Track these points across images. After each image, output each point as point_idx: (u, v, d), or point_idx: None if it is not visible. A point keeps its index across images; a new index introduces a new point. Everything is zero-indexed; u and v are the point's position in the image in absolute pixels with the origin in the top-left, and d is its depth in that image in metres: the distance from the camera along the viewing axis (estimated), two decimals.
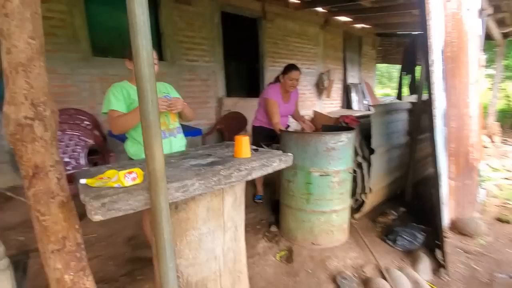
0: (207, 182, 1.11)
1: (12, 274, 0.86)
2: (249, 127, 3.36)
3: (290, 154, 1.47)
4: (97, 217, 0.91)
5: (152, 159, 0.90)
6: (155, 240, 0.98)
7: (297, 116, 2.84)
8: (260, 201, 2.95)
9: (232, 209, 1.35)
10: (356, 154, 2.36)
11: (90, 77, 3.65)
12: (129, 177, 1.03)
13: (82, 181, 1.09)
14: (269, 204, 2.86)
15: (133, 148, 1.64)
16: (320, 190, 1.97)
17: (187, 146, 1.95)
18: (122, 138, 1.82)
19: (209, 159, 1.38)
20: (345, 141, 1.97)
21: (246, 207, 2.80)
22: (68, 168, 2.67)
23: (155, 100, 0.87)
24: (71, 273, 1.03)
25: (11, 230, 2.33)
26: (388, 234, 2.20)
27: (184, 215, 1.19)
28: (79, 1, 3.46)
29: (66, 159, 2.67)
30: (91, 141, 2.75)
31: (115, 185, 1.02)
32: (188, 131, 3.07)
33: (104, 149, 2.99)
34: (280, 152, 1.51)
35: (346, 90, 7.87)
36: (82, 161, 2.73)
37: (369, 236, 2.25)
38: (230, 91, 5.66)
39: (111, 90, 1.56)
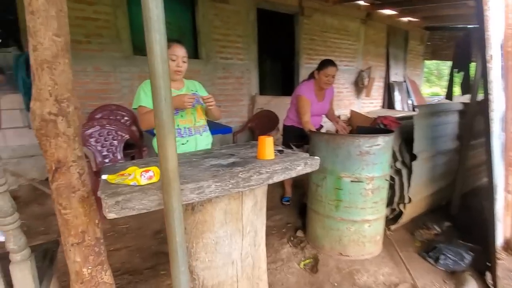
0: (224, 184, 1.06)
1: (33, 265, 0.88)
2: (281, 126, 3.27)
3: (317, 157, 1.36)
4: (111, 215, 0.90)
5: (165, 158, 0.86)
6: (168, 242, 0.95)
7: (331, 116, 2.68)
8: (288, 203, 2.85)
9: (251, 213, 1.29)
10: (395, 159, 2.15)
11: (131, 74, 3.85)
12: (145, 176, 1.02)
13: (103, 176, 1.11)
14: (297, 207, 2.75)
15: None
16: (351, 197, 1.82)
17: (214, 144, 1.93)
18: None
19: (231, 159, 1.33)
20: (382, 144, 1.79)
21: (272, 208, 2.75)
22: (106, 160, 2.83)
23: (168, 98, 0.83)
24: (89, 267, 1.05)
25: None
26: (429, 251, 1.97)
27: (201, 217, 1.15)
28: (122, 3, 3.64)
29: (105, 153, 2.84)
30: (127, 136, 2.88)
31: (131, 183, 1.01)
32: (219, 128, 3.08)
33: (139, 144, 3.12)
34: (306, 154, 1.40)
35: (388, 89, 7.35)
36: (119, 155, 2.87)
37: (406, 251, 2.04)
38: (264, 89, 5.60)
39: (141, 86, 1.59)
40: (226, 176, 1.08)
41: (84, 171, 1.04)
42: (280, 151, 1.46)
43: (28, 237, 2.34)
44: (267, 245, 2.11)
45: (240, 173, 1.11)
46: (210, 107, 1.61)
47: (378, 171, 1.81)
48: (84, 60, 3.48)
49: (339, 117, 2.70)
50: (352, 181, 1.79)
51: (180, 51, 1.58)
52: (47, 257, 1.17)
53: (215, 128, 3.08)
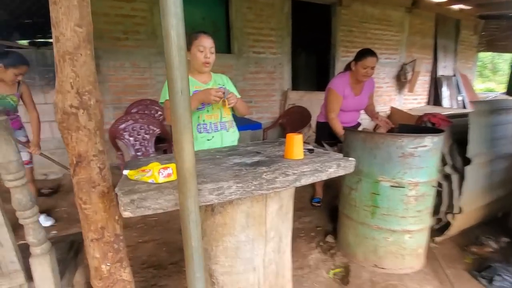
0: (246, 185, 0.97)
1: (52, 258, 0.88)
2: (314, 123, 3.10)
3: (352, 159, 1.21)
4: (126, 214, 0.86)
5: (180, 156, 0.79)
6: (183, 246, 0.89)
7: (370, 112, 2.45)
8: (318, 204, 2.70)
9: (276, 217, 1.19)
10: (444, 163, 1.89)
11: (164, 70, 3.92)
12: (164, 173, 0.96)
13: (125, 172, 1.08)
14: (328, 210, 2.58)
15: None
16: (390, 204, 1.63)
17: (241, 141, 1.85)
18: None
19: (256, 158, 1.24)
20: (429, 146, 1.57)
21: (302, 209, 2.62)
22: (138, 154, 2.92)
23: (185, 90, 0.76)
24: (108, 263, 1.03)
25: None
26: (481, 270, 1.70)
27: (221, 219, 1.08)
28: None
29: (137, 146, 2.92)
30: (158, 130, 2.93)
31: (149, 180, 0.96)
32: (248, 124, 3.02)
33: (170, 139, 3.17)
34: (339, 155, 1.26)
35: (435, 84, 6.70)
36: (150, 148, 2.94)
37: (454, 268, 1.79)
38: (297, 84, 5.42)
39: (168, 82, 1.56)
40: (249, 176, 0.99)
41: (105, 166, 1.01)
42: (310, 150, 1.33)
43: (67, 224, 2.47)
44: (294, 249, 2.00)
45: (264, 173, 1.01)
46: (229, 105, 1.52)
47: (423, 176, 1.60)
48: (123, 56, 3.61)
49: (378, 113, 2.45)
50: (392, 186, 1.60)
51: (207, 42, 1.52)
52: (73, 248, 1.19)
53: (244, 124, 3.02)
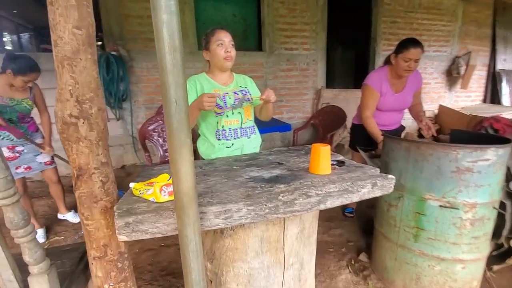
0: (258, 208, 0.83)
1: (52, 278, 0.83)
2: (349, 124, 2.85)
3: (392, 177, 1.00)
4: (122, 237, 0.77)
5: (177, 178, 0.67)
6: (184, 277, 0.78)
7: (415, 112, 2.12)
8: (351, 215, 2.45)
9: (297, 241, 1.03)
10: (507, 179, 1.56)
11: (195, 70, 3.88)
12: (166, 191, 0.86)
13: (131, 184, 1.00)
14: (363, 222, 2.33)
15: (204, 146, 1.52)
16: (439, 227, 1.36)
17: (265, 144, 1.71)
18: None
19: (276, 171, 1.09)
20: (492, 159, 1.27)
21: (332, 220, 2.40)
22: (166, 154, 2.92)
23: (182, 100, 0.64)
24: (111, 284, 0.96)
25: None
26: None
27: (231, 243, 0.95)
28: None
29: (165, 147, 2.93)
30: None
31: (150, 198, 0.87)
32: (277, 125, 2.85)
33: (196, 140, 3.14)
34: (376, 170, 1.06)
35: (493, 79, 5.88)
36: None
37: None
38: (332, 82, 5.11)
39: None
40: (263, 198, 0.84)
41: (108, 179, 0.94)
42: (340, 163, 1.14)
43: None
44: (321, 266, 1.82)
45: (282, 194, 0.86)
46: (270, 102, 1.39)
47: (483, 196, 1.31)
48: (155, 57, 3.62)
49: (424, 113, 2.13)
50: (441, 206, 1.34)
51: (226, 35, 1.40)
52: (84, 260, 1.14)
53: (272, 125, 2.87)
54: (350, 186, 0.94)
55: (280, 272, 1.02)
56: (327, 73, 4.65)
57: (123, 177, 3.46)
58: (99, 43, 3.75)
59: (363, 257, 1.86)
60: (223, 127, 1.44)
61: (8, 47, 7.11)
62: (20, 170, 2.07)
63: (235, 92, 1.47)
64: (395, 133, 2.10)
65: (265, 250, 0.96)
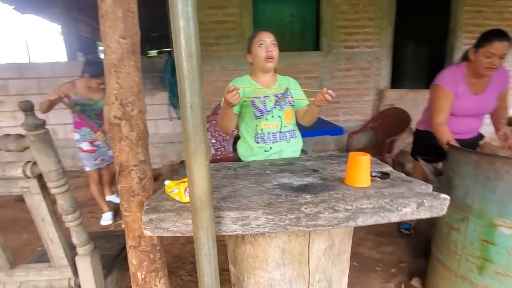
0: (278, 219, 0.79)
1: (94, 260, 0.94)
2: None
3: (445, 197, 0.85)
4: (146, 232, 0.83)
5: (192, 182, 0.69)
6: (198, 280, 0.79)
7: (496, 118, 1.75)
8: (408, 232, 2.17)
9: (325, 257, 0.95)
10: None
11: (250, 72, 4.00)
12: None
13: (166, 182, 1.07)
14: (421, 242, 2.04)
15: (243, 148, 1.53)
16: (511, 261, 1.10)
17: (303, 149, 1.64)
18: None
19: (307, 179, 1.03)
20: None
21: (384, 235, 2.16)
22: (218, 153, 3.06)
23: (197, 105, 0.64)
24: (143, 272, 1.04)
25: None
26: None
27: (252, 250, 0.93)
28: (248, 3, 3.77)
29: (217, 146, 3.07)
30: (236, 131, 2.99)
31: (176, 198, 0.90)
32: (328, 128, 2.71)
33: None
34: (428, 187, 0.91)
35: None
36: (229, 148, 3.04)
37: None
38: (398, 81, 4.63)
39: (228, 85, 1.50)
40: (283, 208, 0.80)
41: (145, 176, 1.01)
42: (384, 175, 1.02)
43: None
44: (363, 285, 1.65)
45: (305, 205, 0.80)
46: (324, 103, 1.25)
47: None
48: (213, 60, 3.86)
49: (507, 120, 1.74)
50: None
51: (267, 36, 1.39)
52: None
53: (323, 128, 2.73)
54: (388, 204, 0.82)
55: (304, 287, 0.95)
56: (394, 72, 4.23)
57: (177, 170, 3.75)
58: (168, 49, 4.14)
59: (415, 282, 1.62)
60: (262, 130, 1.43)
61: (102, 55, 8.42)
62: (97, 161, 2.43)
63: (275, 95, 1.44)
64: (471, 144, 1.73)
65: (287, 262, 0.92)
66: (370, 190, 0.90)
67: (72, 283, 1.00)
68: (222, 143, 3.09)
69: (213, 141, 3.10)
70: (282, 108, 1.43)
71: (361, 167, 0.93)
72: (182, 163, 4.08)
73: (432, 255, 1.48)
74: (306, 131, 2.60)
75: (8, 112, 3.87)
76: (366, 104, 4.16)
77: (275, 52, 1.40)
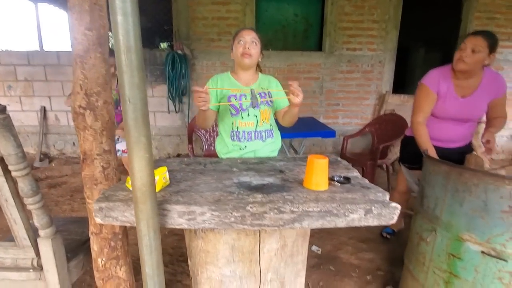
0: (223, 215, 0.80)
1: (56, 243, 0.97)
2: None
3: (395, 205, 0.84)
4: (97, 220, 0.85)
5: (132, 174, 0.70)
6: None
7: (487, 127, 1.69)
8: (388, 236, 2.15)
9: (277, 258, 0.96)
10: None
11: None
12: None
13: None
14: (402, 250, 2.01)
15: (220, 145, 1.54)
16: (479, 279, 1.07)
17: (281, 151, 1.63)
18: None
19: (269, 179, 1.03)
20: None
21: (366, 241, 2.15)
22: (211, 147, 3.09)
23: (136, 99, 0.66)
24: (103, 259, 1.07)
25: None
26: None
27: (203, 245, 0.94)
28: (251, 0, 3.76)
29: (210, 141, 3.09)
30: None
31: (130, 188, 0.92)
32: (319, 131, 2.69)
33: None
34: (384, 195, 0.90)
35: None
36: None
37: None
38: (401, 86, 4.55)
39: (209, 82, 1.51)
40: (229, 205, 0.81)
41: (109, 166, 1.04)
42: (345, 180, 1.01)
43: None
44: None
45: (252, 205, 0.81)
46: (296, 100, 1.20)
47: None
48: (214, 56, 3.87)
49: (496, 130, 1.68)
50: (484, 252, 1.05)
51: (247, 34, 1.39)
52: None
53: (315, 129, 2.72)
54: (335, 209, 0.82)
55: (255, 286, 0.96)
56: (400, 76, 4.15)
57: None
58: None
59: None
60: (237, 128, 1.44)
61: None
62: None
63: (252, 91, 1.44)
64: (456, 154, 1.69)
65: (237, 259, 0.93)
66: (323, 194, 0.90)
67: (35, 263, 1.04)
68: (214, 138, 3.11)
69: (207, 136, 3.12)
70: (258, 107, 1.43)
71: (318, 171, 0.93)
72: (178, 156, 4.13)
73: (404, 265, 1.47)
74: (297, 132, 2.60)
75: (16, 96, 3.99)
76: (366, 108, 4.10)
77: (253, 49, 1.40)
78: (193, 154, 2.88)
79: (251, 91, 1.34)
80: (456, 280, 1.13)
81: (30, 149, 4.09)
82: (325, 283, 1.70)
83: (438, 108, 1.67)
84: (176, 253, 1.96)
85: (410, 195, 1.99)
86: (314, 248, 2.02)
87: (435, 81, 1.65)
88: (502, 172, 1.40)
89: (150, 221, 0.74)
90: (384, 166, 3.06)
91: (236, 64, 1.49)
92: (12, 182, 0.92)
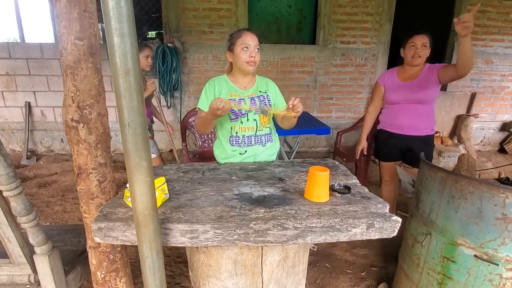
0: (226, 233, 0.80)
1: (53, 259, 0.95)
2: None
3: (396, 219, 0.85)
4: (97, 239, 0.83)
5: (133, 198, 0.68)
6: None
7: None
8: None
9: (279, 269, 0.96)
10: None
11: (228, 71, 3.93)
12: None
13: (128, 185, 1.06)
14: (395, 246, 2.06)
15: (218, 150, 1.52)
16: (471, 281, 1.11)
17: (279, 153, 1.63)
18: None
19: (269, 190, 1.03)
20: None
21: None
22: (205, 144, 3.05)
23: (135, 124, 0.63)
24: (103, 272, 1.05)
25: None
26: None
27: (205, 259, 0.94)
28: None
29: (203, 138, 3.06)
30: None
31: (130, 205, 0.90)
32: (315, 128, 2.69)
33: None
34: (384, 207, 0.91)
35: None
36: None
37: None
38: None
39: (205, 86, 1.47)
40: (233, 223, 0.80)
41: (105, 179, 1.01)
42: (345, 190, 1.02)
43: None
44: (332, 287, 1.69)
45: (255, 222, 0.80)
46: (296, 115, 1.24)
47: None
48: (206, 49, 3.78)
49: None
50: (477, 256, 1.08)
51: (252, 39, 1.34)
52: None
53: (309, 126, 2.72)
54: (338, 224, 0.83)
55: None
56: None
57: (170, 160, 3.76)
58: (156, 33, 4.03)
59: None
60: (237, 133, 1.41)
61: None
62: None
63: (251, 98, 1.42)
64: (418, 142, 1.84)
65: (240, 272, 0.93)
66: (325, 207, 0.90)
67: (32, 280, 1.01)
68: (209, 135, 3.07)
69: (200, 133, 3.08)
70: (257, 112, 1.41)
71: (319, 183, 0.93)
72: (171, 151, 4.08)
73: (398, 264, 1.51)
74: (292, 129, 2.58)
75: None
76: (359, 102, 4.12)
77: (257, 57, 1.37)
78: (187, 152, 2.84)
79: (259, 107, 1.33)
80: (449, 281, 1.17)
81: (16, 146, 3.96)
82: (322, 281, 1.74)
83: (386, 95, 1.92)
84: (174, 254, 1.96)
85: (396, 182, 2.11)
86: (310, 245, 2.05)
87: (382, 76, 1.97)
88: (489, 164, 1.43)
89: (152, 243, 0.72)
90: (377, 160, 3.11)
91: (235, 68, 1.45)
92: (4, 201, 0.88)
